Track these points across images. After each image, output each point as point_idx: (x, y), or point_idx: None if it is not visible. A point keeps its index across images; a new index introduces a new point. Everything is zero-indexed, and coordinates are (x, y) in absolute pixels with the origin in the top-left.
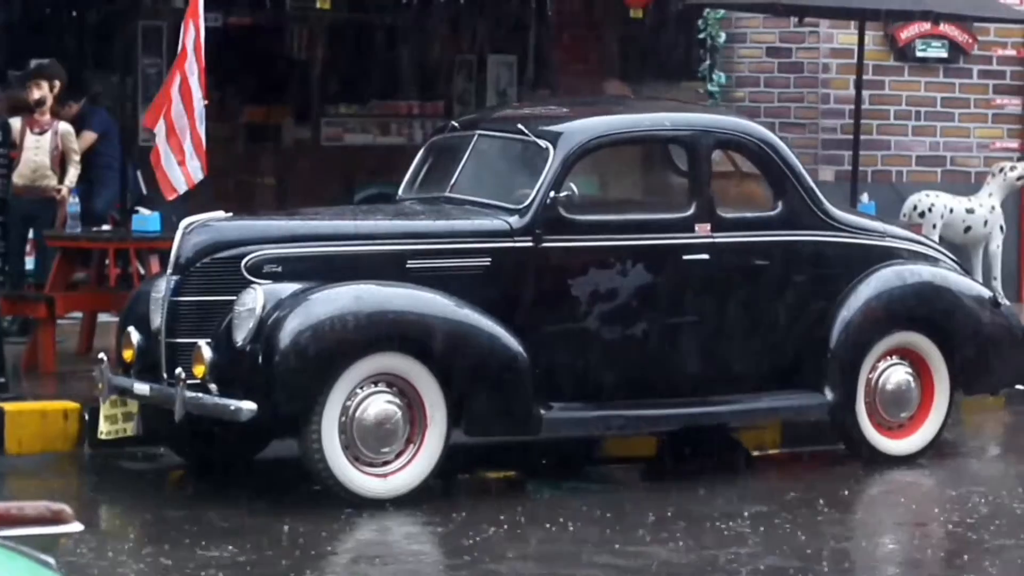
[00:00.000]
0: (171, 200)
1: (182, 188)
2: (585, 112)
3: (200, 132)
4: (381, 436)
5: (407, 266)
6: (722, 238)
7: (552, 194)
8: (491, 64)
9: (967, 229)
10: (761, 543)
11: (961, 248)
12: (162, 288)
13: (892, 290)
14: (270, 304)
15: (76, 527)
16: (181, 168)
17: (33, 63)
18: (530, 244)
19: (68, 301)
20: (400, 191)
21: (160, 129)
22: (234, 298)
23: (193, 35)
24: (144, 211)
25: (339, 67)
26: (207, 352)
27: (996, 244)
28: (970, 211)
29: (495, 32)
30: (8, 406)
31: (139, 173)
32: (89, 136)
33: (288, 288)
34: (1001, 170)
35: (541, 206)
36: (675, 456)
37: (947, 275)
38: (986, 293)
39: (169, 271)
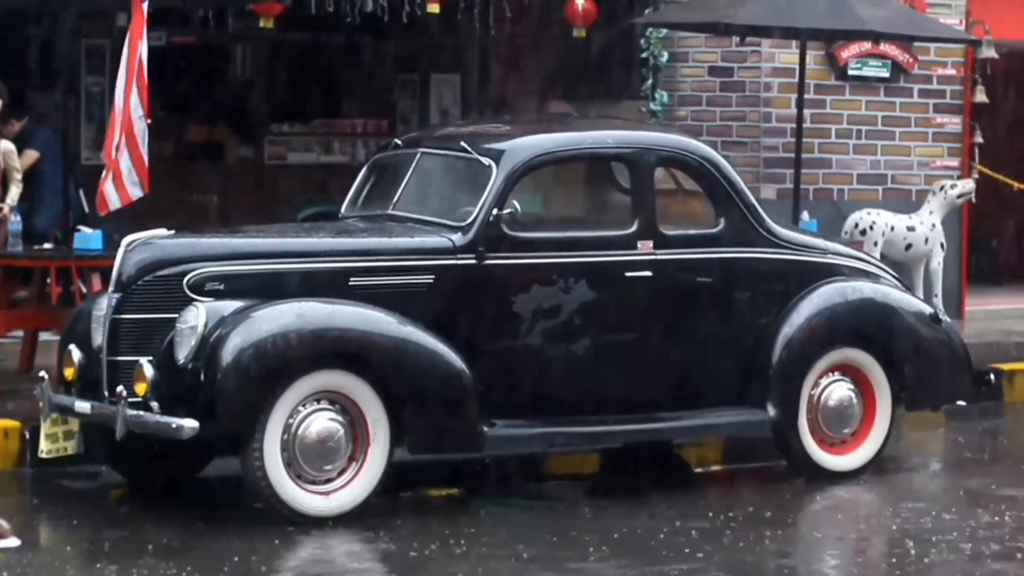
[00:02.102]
0: (104, 215)
1: (115, 205)
2: (528, 130)
3: (142, 150)
4: (324, 454)
5: (350, 283)
6: (664, 255)
7: (495, 211)
8: (434, 83)
9: (908, 247)
10: (704, 559)
11: (902, 265)
12: (103, 306)
13: (834, 307)
14: (212, 322)
15: (13, 542)
16: (116, 184)
17: None
18: (473, 261)
19: (9, 319)
20: (343, 209)
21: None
22: (176, 316)
23: (137, 53)
24: (86, 229)
25: (282, 86)
26: (148, 370)
27: (937, 261)
28: (911, 229)
29: (438, 51)
30: None
31: (81, 191)
32: (31, 154)
33: (230, 306)
34: (942, 188)
35: (484, 223)
36: (618, 473)
37: (888, 292)
38: (927, 310)
39: (111, 289)
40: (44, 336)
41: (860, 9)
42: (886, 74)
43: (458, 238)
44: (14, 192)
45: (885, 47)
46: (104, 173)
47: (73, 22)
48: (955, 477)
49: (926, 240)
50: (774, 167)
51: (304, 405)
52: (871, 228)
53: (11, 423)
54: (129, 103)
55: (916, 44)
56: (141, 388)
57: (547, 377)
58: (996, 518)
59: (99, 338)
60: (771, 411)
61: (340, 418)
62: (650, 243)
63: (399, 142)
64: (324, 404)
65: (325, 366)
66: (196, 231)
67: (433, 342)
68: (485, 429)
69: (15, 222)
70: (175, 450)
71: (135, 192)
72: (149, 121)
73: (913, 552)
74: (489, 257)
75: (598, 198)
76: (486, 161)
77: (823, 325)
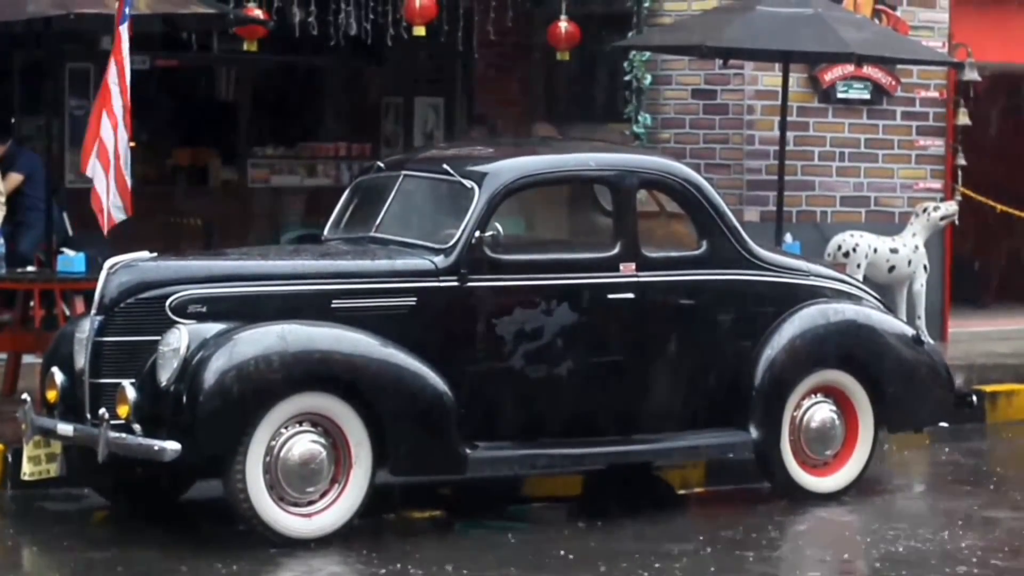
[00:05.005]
0: (109, 233)
1: (119, 217)
2: (510, 152)
3: (125, 173)
4: (306, 476)
5: (332, 306)
6: (647, 277)
7: (477, 234)
8: (418, 106)
9: (891, 269)
10: None
11: (885, 287)
12: (86, 328)
13: (816, 328)
14: (194, 344)
15: None
16: (106, 206)
17: None
18: (455, 284)
19: None
20: (326, 231)
21: (95, 170)
22: (158, 338)
23: (117, 75)
24: (69, 252)
25: (266, 109)
26: (131, 392)
27: (920, 283)
28: (894, 251)
29: (422, 74)
30: None
31: (65, 214)
32: (15, 177)
33: (213, 328)
34: (924, 210)
35: (466, 246)
36: (601, 495)
37: (871, 314)
38: (909, 331)
39: (93, 311)
40: (27, 359)
41: (843, 31)
42: (869, 96)
43: (440, 260)
44: None
45: (868, 69)
46: (94, 201)
47: (57, 45)
48: (938, 499)
49: (909, 262)
50: (757, 189)
51: (286, 427)
52: (854, 250)
53: None
54: (116, 126)
55: (899, 66)
56: (123, 410)
57: (529, 399)
58: (979, 540)
59: (82, 360)
60: (753, 433)
61: (322, 440)
62: (632, 265)
63: (382, 164)
64: (306, 426)
65: (307, 388)
66: (179, 254)
67: (415, 364)
68: (467, 451)
69: None
70: (158, 472)
71: (118, 215)
72: (133, 144)
73: (895, 573)
74: (471, 279)
75: (580, 220)
76: (468, 184)
77: (805, 347)
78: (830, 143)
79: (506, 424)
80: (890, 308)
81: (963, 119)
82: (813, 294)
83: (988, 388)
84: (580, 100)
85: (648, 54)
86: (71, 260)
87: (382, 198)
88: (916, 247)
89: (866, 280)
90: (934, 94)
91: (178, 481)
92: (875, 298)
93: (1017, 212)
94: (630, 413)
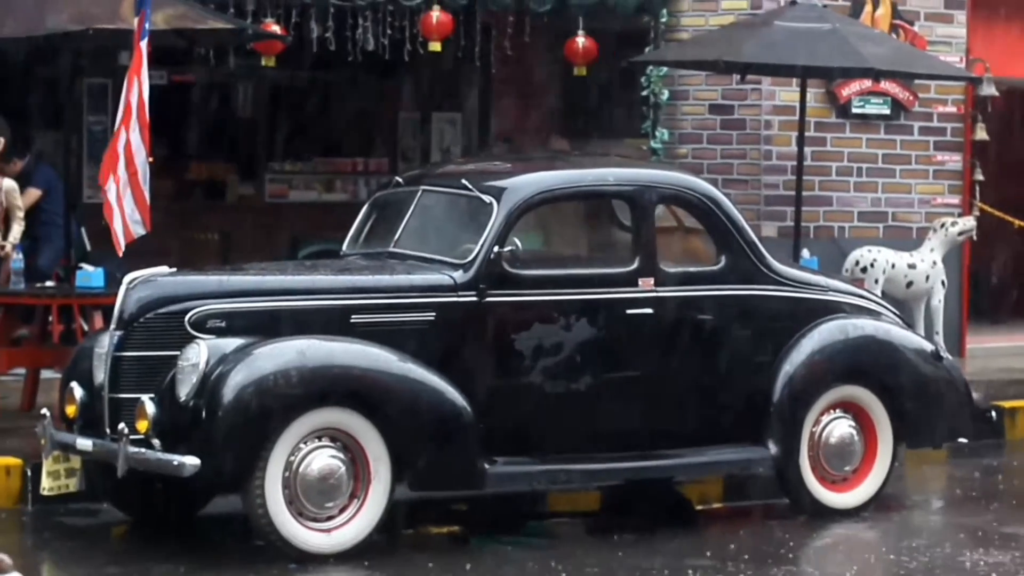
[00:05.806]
0: (120, 255)
1: (122, 243)
2: (529, 167)
3: (144, 188)
4: (325, 491)
5: (351, 321)
6: (665, 292)
7: (496, 249)
8: (435, 121)
9: (909, 284)
10: None
11: (903, 303)
12: (105, 343)
13: (835, 344)
14: (214, 359)
15: None
16: (122, 222)
17: None
18: (474, 299)
19: (11, 357)
20: (344, 246)
21: (110, 186)
22: (178, 353)
23: (137, 91)
24: (88, 267)
25: (284, 124)
26: (150, 407)
27: (938, 299)
28: (912, 266)
29: (440, 89)
30: None
31: (83, 229)
32: (34, 193)
33: (232, 343)
34: (943, 225)
35: (485, 261)
36: (619, 510)
37: (889, 329)
38: (928, 347)
39: (112, 326)
40: (46, 374)
41: (861, 46)
42: (887, 111)
43: (459, 275)
44: (16, 230)
45: (886, 85)
46: (107, 214)
47: (75, 61)
48: (956, 515)
49: (927, 277)
50: (775, 205)
51: (305, 442)
52: (872, 265)
53: (13, 461)
54: (130, 141)
55: (917, 82)
56: (143, 425)
57: (548, 414)
58: (997, 556)
59: (101, 375)
60: (772, 448)
61: (341, 455)
62: (651, 280)
63: (400, 180)
64: (325, 441)
65: (326, 403)
66: (198, 269)
67: (434, 379)
68: (486, 466)
69: (17, 260)
70: (177, 487)
71: (137, 230)
72: (151, 159)
73: None
74: (490, 294)
75: (599, 235)
76: (487, 199)
77: (824, 362)
78: (848, 158)
79: (525, 439)
80: (908, 323)
81: (981, 134)
82: (831, 309)
83: (1007, 404)
84: (597, 115)
85: (665, 69)
86: (89, 275)
87: (400, 213)
88: (934, 262)
89: (884, 295)
90: (952, 109)
91: (197, 496)
92: (893, 313)
93: None
94: (649, 428)
